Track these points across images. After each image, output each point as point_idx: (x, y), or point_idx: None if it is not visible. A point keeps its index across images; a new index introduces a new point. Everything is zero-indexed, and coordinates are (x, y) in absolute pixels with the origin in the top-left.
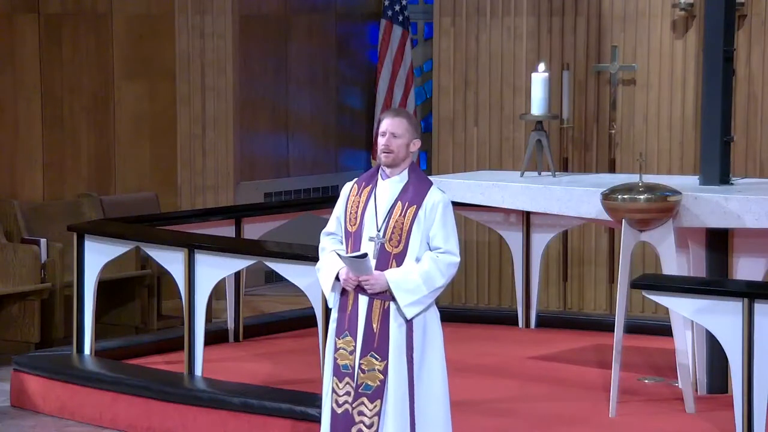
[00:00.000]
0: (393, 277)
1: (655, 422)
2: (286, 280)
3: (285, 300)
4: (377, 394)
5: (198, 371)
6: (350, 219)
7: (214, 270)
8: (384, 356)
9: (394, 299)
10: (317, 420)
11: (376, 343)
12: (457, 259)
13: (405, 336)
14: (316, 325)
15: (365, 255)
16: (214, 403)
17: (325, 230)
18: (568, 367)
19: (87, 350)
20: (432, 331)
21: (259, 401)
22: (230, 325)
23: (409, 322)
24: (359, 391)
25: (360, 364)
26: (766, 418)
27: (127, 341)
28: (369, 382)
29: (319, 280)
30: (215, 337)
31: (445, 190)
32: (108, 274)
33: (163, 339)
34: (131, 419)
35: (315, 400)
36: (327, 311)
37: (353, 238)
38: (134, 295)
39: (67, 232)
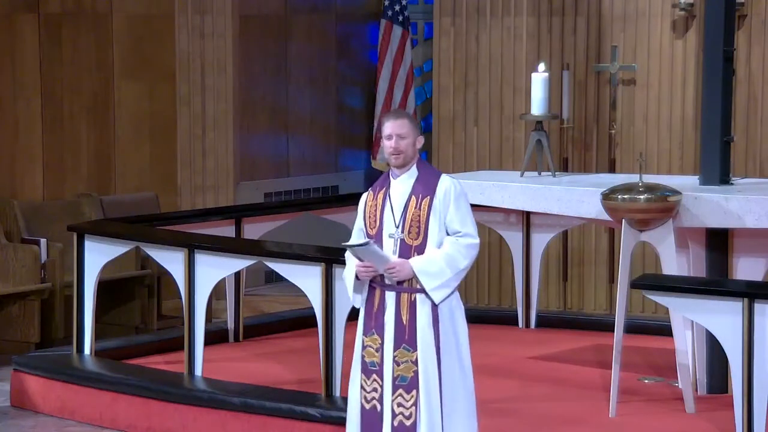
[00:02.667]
0: (417, 263)
1: (655, 422)
2: (286, 280)
3: (285, 300)
4: (413, 384)
5: (198, 371)
6: (370, 223)
7: (214, 270)
8: (415, 347)
9: (421, 286)
10: (317, 420)
11: (407, 335)
12: (476, 240)
13: (432, 327)
14: (316, 325)
15: (367, 242)
16: (214, 403)
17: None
18: (568, 367)
19: (87, 350)
20: (458, 323)
21: (259, 401)
22: (230, 325)
23: (435, 314)
24: (396, 383)
25: (394, 356)
26: (766, 418)
27: (127, 341)
28: (404, 374)
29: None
30: (215, 337)
31: None
32: (108, 274)
33: (163, 339)
34: (131, 419)
35: (315, 400)
36: (327, 311)
37: (374, 239)
38: (134, 295)
39: (67, 232)
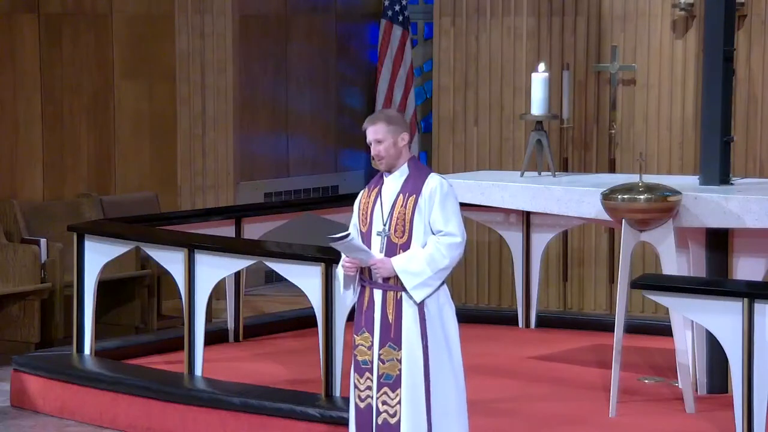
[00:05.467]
0: (398, 262)
1: (655, 422)
2: (286, 280)
3: (285, 300)
4: (398, 383)
5: (198, 371)
6: (362, 220)
7: (214, 270)
8: (400, 346)
9: (402, 285)
10: (317, 420)
11: (393, 334)
12: (459, 239)
13: (418, 325)
14: (316, 325)
15: (347, 235)
16: (214, 403)
17: None
18: (568, 367)
19: (87, 350)
20: (448, 322)
21: (259, 401)
22: (230, 325)
23: (422, 312)
24: (381, 381)
25: (380, 354)
26: (766, 418)
27: (127, 341)
28: (389, 372)
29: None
30: (215, 337)
31: None
32: (108, 274)
33: (163, 339)
34: (131, 419)
35: (315, 400)
36: (327, 311)
37: (365, 237)
38: (134, 295)
39: (67, 232)
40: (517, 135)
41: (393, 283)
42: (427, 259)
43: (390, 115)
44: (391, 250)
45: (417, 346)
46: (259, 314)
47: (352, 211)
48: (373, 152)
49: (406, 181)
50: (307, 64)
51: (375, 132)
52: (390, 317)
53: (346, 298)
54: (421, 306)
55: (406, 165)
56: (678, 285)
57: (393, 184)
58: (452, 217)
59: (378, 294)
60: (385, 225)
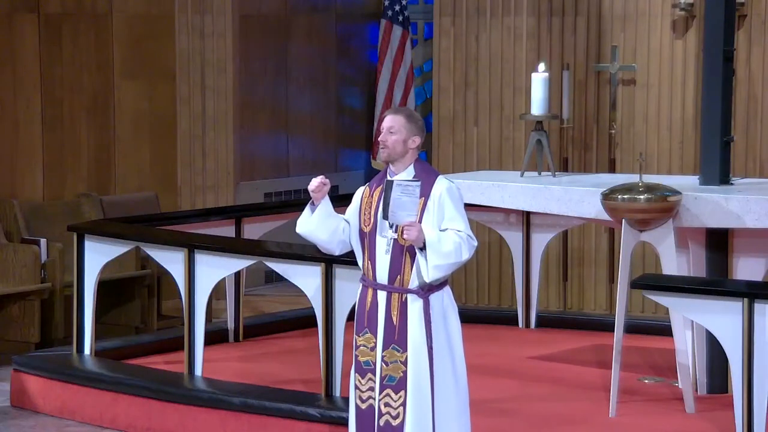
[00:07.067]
0: (429, 235)
1: (655, 422)
2: (286, 280)
3: (285, 300)
4: (401, 385)
5: (198, 371)
6: (364, 220)
7: (214, 270)
8: (405, 348)
9: (423, 254)
10: (317, 420)
11: (397, 336)
12: (477, 243)
13: (423, 327)
14: (316, 325)
15: (419, 181)
16: (214, 403)
17: None
18: (568, 367)
19: (87, 350)
20: (451, 323)
21: (259, 401)
22: (230, 325)
23: (426, 314)
24: (384, 383)
25: (383, 356)
26: (766, 418)
27: (127, 341)
28: (392, 374)
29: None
30: (215, 337)
31: None
32: (108, 274)
33: (163, 339)
34: (131, 419)
35: (315, 400)
36: (327, 311)
37: (368, 237)
38: (134, 295)
39: (67, 232)
40: (517, 135)
41: (399, 285)
42: (456, 246)
43: (412, 115)
44: (398, 251)
45: (422, 349)
46: (259, 314)
47: None
48: (380, 138)
49: None
50: (307, 64)
51: (392, 120)
52: (394, 319)
53: (304, 214)
54: (426, 308)
55: (411, 166)
56: (678, 285)
57: None
58: (466, 220)
59: (382, 295)
60: (391, 227)
